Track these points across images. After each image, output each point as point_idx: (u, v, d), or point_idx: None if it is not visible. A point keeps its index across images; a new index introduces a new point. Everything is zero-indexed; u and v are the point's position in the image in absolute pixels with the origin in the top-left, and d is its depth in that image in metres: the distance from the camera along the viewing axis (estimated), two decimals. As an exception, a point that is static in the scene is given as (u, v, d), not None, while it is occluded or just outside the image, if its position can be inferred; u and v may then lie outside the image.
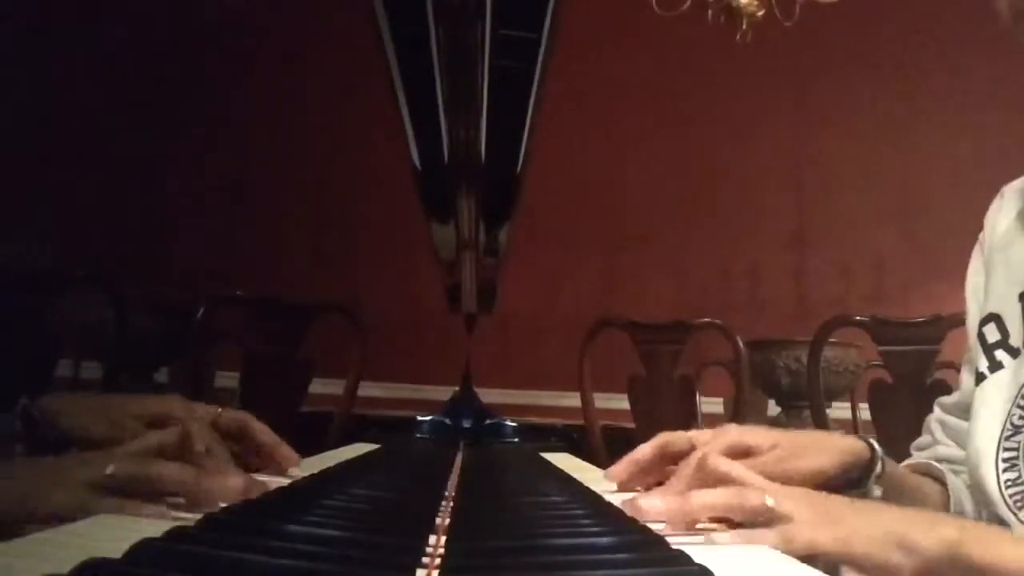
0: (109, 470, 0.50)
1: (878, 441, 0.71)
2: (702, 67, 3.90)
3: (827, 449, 0.69)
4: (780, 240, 4.01)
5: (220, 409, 0.75)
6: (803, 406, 2.56)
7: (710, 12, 3.07)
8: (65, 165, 3.58)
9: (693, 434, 0.73)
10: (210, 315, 1.95)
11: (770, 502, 0.51)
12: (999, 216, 0.82)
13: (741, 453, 0.67)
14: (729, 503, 0.53)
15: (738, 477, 0.57)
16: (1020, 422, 0.69)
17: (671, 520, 0.53)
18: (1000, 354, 0.74)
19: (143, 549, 0.33)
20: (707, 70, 3.90)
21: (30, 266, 1.86)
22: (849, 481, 0.69)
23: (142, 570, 0.32)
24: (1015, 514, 0.67)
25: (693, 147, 3.97)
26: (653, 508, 0.54)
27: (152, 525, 0.39)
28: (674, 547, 0.40)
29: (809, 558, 0.47)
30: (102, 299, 1.96)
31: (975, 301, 0.80)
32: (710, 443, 0.68)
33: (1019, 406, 0.69)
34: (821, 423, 1.97)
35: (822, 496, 0.55)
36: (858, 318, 1.93)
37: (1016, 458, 0.68)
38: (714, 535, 0.51)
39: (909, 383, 1.80)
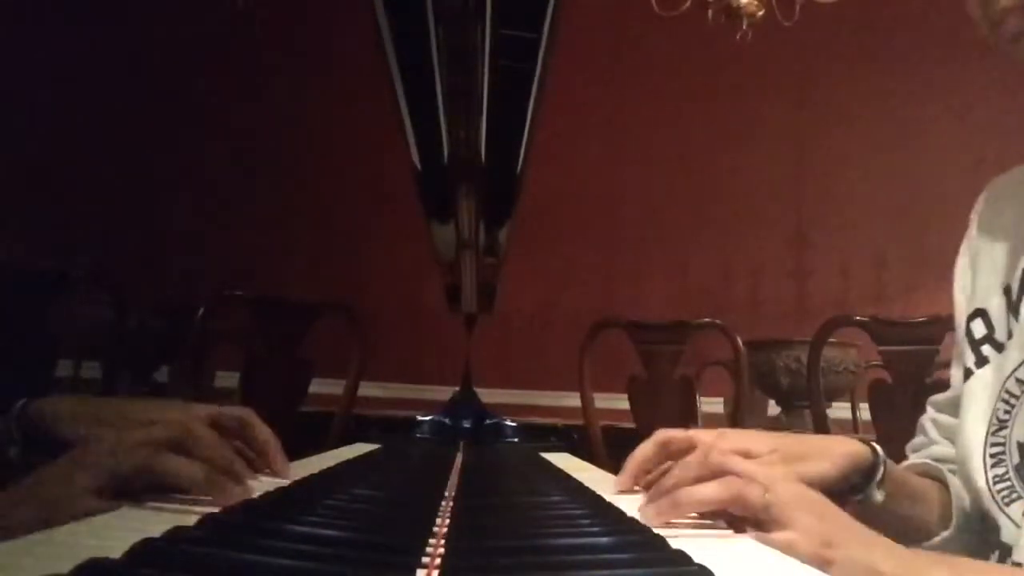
0: (114, 462, 0.50)
1: (878, 442, 0.70)
2: (702, 67, 3.90)
3: (829, 454, 0.67)
4: (780, 240, 4.01)
5: (219, 407, 0.73)
6: (803, 406, 2.56)
7: (710, 12, 3.07)
8: (66, 165, 3.58)
9: (693, 432, 0.71)
10: (210, 315, 1.95)
11: (768, 498, 0.51)
12: (985, 211, 0.82)
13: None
14: (720, 497, 0.53)
15: (742, 471, 0.56)
16: (1005, 416, 0.68)
17: (665, 518, 0.53)
18: (986, 349, 0.73)
19: (143, 549, 0.33)
20: (707, 70, 3.90)
21: (30, 266, 1.86)
22: (851, 486, 0.68)
23: (142, 570, 0.32)
24: (1002, 509, 0.66)
25: (693, 147, 3.97)
26: (645, 515, 0.53)
27: (152, 525, 0.39)
28: (674, 547, 0.40)
29: None
30: (102, 299, 1.96)
31: (963, 297, 0.80)
32: (714, 445, 0.68)
33: (1003, 400, 0.69)
34: (821, 423, 1.97)
35: (823, 504, 0.54)
36: (858, 318, 1.93)
37: (1003, 453, 0.68)
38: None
39: (909, 383, 1.79)
